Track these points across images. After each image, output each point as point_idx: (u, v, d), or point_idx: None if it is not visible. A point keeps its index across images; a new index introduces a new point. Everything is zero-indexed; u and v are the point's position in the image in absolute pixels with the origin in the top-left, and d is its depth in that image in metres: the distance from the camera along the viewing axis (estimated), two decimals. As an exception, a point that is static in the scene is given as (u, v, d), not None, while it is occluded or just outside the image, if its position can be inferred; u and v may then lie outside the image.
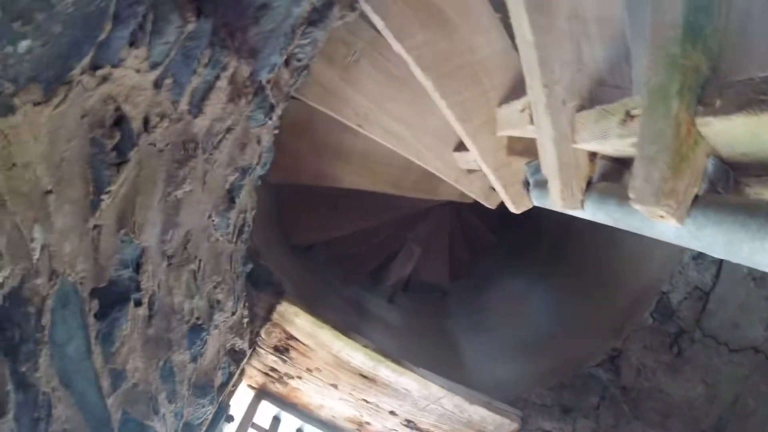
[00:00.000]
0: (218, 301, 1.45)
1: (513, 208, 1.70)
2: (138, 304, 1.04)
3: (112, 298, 0.96)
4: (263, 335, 1.82)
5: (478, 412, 1.94)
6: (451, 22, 1.56)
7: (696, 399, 2.01)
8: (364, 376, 1.86)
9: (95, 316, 0.91)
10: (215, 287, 1.42)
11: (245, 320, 1.70)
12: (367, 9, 1.43)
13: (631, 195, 0.89)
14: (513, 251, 3.27)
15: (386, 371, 1.85)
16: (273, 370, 1.87)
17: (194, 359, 1.32)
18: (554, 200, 1.31)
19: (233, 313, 1.59)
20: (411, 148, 1.84)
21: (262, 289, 1.96)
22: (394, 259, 2.80)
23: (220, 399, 1.69)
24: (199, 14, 0.88)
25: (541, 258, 2.91)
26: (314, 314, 1.79)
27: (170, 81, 0.91)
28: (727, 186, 0.89)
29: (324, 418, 1.94)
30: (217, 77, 1.04)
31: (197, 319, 1.32)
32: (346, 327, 1.90)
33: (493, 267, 3.20)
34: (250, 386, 1.91)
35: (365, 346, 1.83)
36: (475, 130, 1.53)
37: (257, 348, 1.84)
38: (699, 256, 2.18)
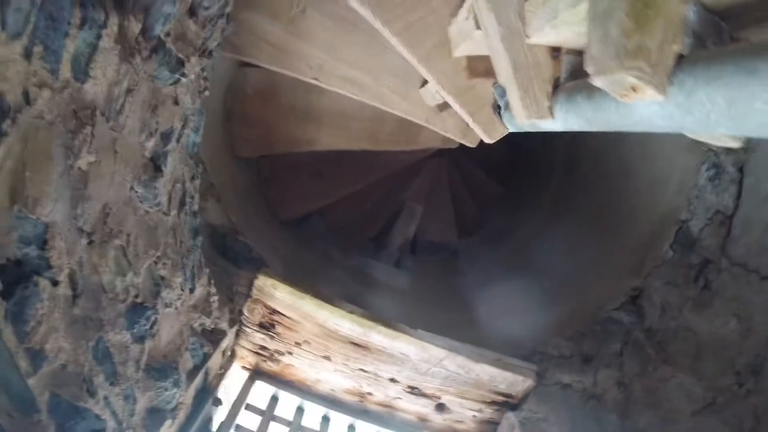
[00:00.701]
0: (162, 278, 1.35)
1: (485, 137, 1.54)
2: (55, 283, 0.96)
3: (18, 276, 0.89)
4: (246, 313, 1.73)
5: (486, 371, 1.79)
6: None
7: (728, 336, 1.80)
8: (356, 344, 1.74)
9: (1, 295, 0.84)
10: (156, 263, 1.32)
11: (213, 298, 1.60)
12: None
13: (590, 69, 0.71)
14: (523, 200, 3.07)
15: (378, 336, 1.72)
16: (263, 348, 1.78)
17: (140, 339, 1.23)
18: (517, 112, 1.14)
19: (191, 291, 1.50)
20: (374, 93, 1.70)
21: (242, 266, 1.87)
22: (395, 221, 2.66)
23: (205, 381, 1.62)
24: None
25: (551, 203, 2.71)
26: (293, 284, 1.68)
27: (40, 49, 0.82)
28: (721, 42, 0.71)
29: (323, 392, 1.84)
30: (98, 37, 0.94)
31: (136, 297, 1.23)
32: (348, 297, 1.79)
33: (504, 219, 3.02)
34: (243, 368, 1.82)
35: (351, 312, 1.70)
36: (428, 54, 1.37)
37: (243, 327, 1.75)
38: (716, 177, 1.97)
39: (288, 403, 1.84)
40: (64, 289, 0.99)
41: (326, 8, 1.67)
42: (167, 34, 1.16)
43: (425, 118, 1.69)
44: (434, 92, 1.62)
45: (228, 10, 1.47)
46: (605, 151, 2.34)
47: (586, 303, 2.08)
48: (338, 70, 1.68)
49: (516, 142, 3.19)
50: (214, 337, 1.62)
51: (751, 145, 1.92)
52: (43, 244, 0.93)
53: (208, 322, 1.60)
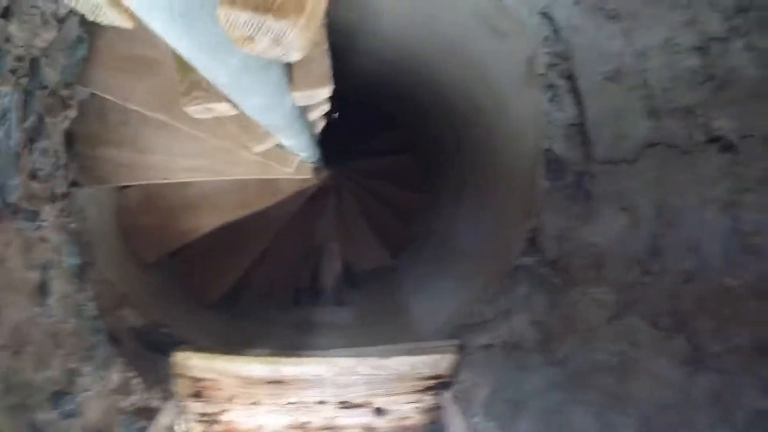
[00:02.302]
0: (73, 369, 1.65)
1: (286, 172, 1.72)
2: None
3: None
4: (178, 389, 1.93)
5: (403, 362, 1.83)
6: (158, 60, 1.74)
7: (623, 231, 1.76)
8: (274, 382, 1.86)
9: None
10: (65, 359, 1.64)
11: (135, 381, 1.84)
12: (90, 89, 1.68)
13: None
14: (437, 198, 3.10)
15: (287, 368, 1.83)
16: (203, 414, 1.93)
17: (67, 417, 1.57)
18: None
19: (107, 377, 1.76)
20: (213, 171, 1.97)
21: (168, 353, 2.09)
22: (320, 265, 2.79)
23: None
24: None
25: (455, 189, 2.75)
26: (202, 351, 1.87)
27: None
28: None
29: (270, 438, 1.95)
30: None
31: (55, 385, 1.57)
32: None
33: (427, 223, 3.05)
34: (200, 439, 1.99)
35: (257, 355, 1.85)
36: (214, 128, 1.66)
37: (181, 402, 1.94)
38: (554, 95, 2.00)
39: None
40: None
41: (154, 121, 2.00)
42: (19, 198, 1.54)
43: (260, 171, 1.91)
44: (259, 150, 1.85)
45: (62, 162, 1.84)
46: (475, 122, 2.41)
47: (497, 264, 2.09)
48: (179, 164, 1.98)
49: (424, 157, 3.37)
50: (148, 413, 1.85)
51: (568, 53, 1.95)
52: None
53: (138, 402, 1.83)
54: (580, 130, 1.92)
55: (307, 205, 2.77)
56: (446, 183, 3.01)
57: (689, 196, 1.54)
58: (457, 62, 2.34)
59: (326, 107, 1.63)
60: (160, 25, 0.71)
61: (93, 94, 1.89)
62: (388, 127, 4.01)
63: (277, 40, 0.70)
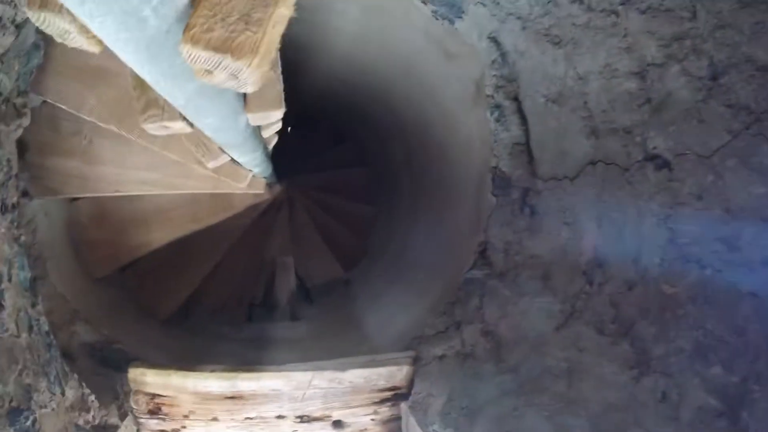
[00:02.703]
0: (29, 385, 1.62)
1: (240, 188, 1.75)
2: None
3: None
4: (134, 405, 1.91)
5: (358, 375, 1.87)
6: (113, 71, 1.73)
7: (565, 244, 1.86)
8: (231, 397, 1.87)
9: None
10: (20, 374, 1.60)
11: (90, 398, 1.81)
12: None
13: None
14: (390, 212, 3.20)
15: (244, 383, 1.84)
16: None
17: None
18: None
19: (62, 393, 1.73)
20: (164, 184, 1.98)
21: (122, 369, 2.07)
22: (273, 280, 2.82)
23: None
24: None
25: (408, 204, 2.84)
26: (157, 367, 1.86)
27: None
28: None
29: (230, 455, 1.96)
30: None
31: (11, 402, 1.51)
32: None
33: (381, 236, 3.14)
34: (159, 457, 1.97)
35: (213, 371, 1.85)
36: (166, 142, 1.67)
37: (138, 419, 1.92)
38: (501, 116, 2.10)
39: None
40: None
41: (107, 132, 1.98)
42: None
43: (213, 186, 1.93)
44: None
45: (14, 172, 1.80)
46: (426, 139, 2.50)
47: (450, 277, 2.16)
48: (131, 177, 1.97)
49: (376, 171, 3.48)
50: (105, 431, 1.83)
51: (514, 75, 2.05)
52: None
53: (93, 419, 1.81)
54: (524, 148, 2.02)
55: (259, 219, 2.78)
56: (399, 197, 3.08)
57: (628, 210, 1.65)
58: (409, 80, 2.42)
59: (279, 126, 1.67)
60: (127, 54, 0.74)
61: (45, 102, 1.86)
62: (342, 142, 4.08)
63: (233, 76, 0.75)
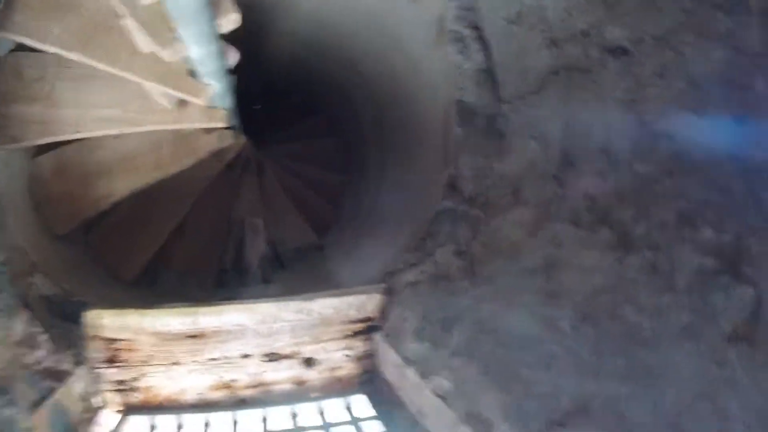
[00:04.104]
0: None
1: (198, 101, 1.70)
2: None
3: None
4: (91, 353, 1.78)
5: (328, 305, 1.78)
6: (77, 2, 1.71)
7: (535, 156, 1.81)
8: (192, 336, 1.75)
9: None
10: None
11: (41, 337, 1.69)
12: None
13: None
14: (363, 175, 3.15)
15: (206, 318, 1.73)
16: (120, 382, 1.78)
17: None
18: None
19: (10, 327, 1.62)
20: (126, 121, 1.94)
21: (80, 321, 1.96)
22: (243, 244, 2.72)
23: (64, 420, 1.66)
24: None
25: (379, 161, 2.80)
26: (113, 307, 1.76)
27: None
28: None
29: (193, 401, 1.82)
30: None
31: None
32: None
33: (353, 200, 3.08)
34: (117, 411, 1.84)
35: (171, 307, 1.76)
36: (128, 63, 1.63)
37: (96, 369, 1.79)
38: (463, 47, 2.09)
39: (167, 426, 1.82)
40: None
41: (68, 74, 1.96)
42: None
43: (173, 120, 1.88)
44: (159, 93, 1.82)
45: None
46: (393, 91, 2.49)
47: (421, 214, 2.10)
48: (92, 116, 1.93)
49: (348, 138, 3.48)
50: (58, 376, 1.69)
51: (472, 5, 2.06)
52: None
53: (45, 360, 1.68)
54: (488, 75, 2.01)
55: (225, 176, 2.70)
56: (369, 160, 3.04)
57: (593, 106, 1.62)
58: (374, 32, 2.41)
59: (236, 22, 1.64)
60: None
61: (11, 52, 1.84)
62: (312, 112, 4.07)
63: None
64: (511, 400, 1.13)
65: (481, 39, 2.02)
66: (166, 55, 1.59)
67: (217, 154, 2.36)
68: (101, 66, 1.67)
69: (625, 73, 1.54)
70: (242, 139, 2.54)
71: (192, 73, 1.69)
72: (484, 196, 1.90)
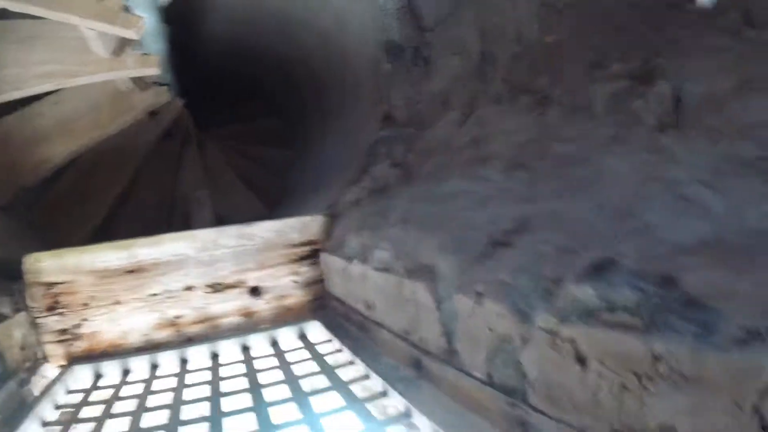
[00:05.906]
0: None
1: (131, 34, 1.75)
2: None
3: None
4: (32, 302, 1.72)
5: (269, 228, 1.76)
6: None
7: (457, 71, 1.87)
8: (131, 271, 1.71)
9: None
10: None
11: None
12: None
13: None
14: (305, 142, 3.19)
15: (144, 250, 1.69)
16: (62, 331, 1.71)
17: None
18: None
19: None
20: (65, 73, 1.97)
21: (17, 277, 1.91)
22: (190, 217, 2.69)
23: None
24: None
25: (318, 128, 2.86)
26: (51, 248, 1.72)
27: None
28: None
29: (140, 344, 1.75)
30: None
31: None
32: None
33: (298, 172, 3.11)
34: (60, 366, 1.75)
35: (107, 241, 1.72)
36: (67, 4, 1.69)
37: (38, 320, 1.73)
38: None
39: (112, 373, 1.73)
40: None
41: (12, 38, 2.00)
42: None
43: (109, 68, 1.92)
44: (95, 38, 1.87)
45: None
46: (328, 55, 2.57)
47: (359, 156, 2.12)
48: (31, 73, 1.98)
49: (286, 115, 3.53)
50: None
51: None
52: None
53: None
54: (409, 9, 2.10)
55: (168, 150, 2.69)
56: (314, 128, 3.07)
57: (503, 5, 1.70)
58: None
59: None
60: None
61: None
62: (255, 95, 4.17)
63: None
64: (449, 238, 1.11)
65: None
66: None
67: (154, 115, 2.38)
68: (40, 11, 1.73)
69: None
70: (178, 102, 2.57)
71: (126, 9, 1.75)
72: (418, 117, 1.94)
